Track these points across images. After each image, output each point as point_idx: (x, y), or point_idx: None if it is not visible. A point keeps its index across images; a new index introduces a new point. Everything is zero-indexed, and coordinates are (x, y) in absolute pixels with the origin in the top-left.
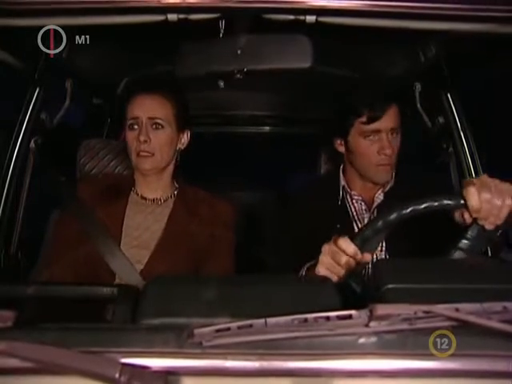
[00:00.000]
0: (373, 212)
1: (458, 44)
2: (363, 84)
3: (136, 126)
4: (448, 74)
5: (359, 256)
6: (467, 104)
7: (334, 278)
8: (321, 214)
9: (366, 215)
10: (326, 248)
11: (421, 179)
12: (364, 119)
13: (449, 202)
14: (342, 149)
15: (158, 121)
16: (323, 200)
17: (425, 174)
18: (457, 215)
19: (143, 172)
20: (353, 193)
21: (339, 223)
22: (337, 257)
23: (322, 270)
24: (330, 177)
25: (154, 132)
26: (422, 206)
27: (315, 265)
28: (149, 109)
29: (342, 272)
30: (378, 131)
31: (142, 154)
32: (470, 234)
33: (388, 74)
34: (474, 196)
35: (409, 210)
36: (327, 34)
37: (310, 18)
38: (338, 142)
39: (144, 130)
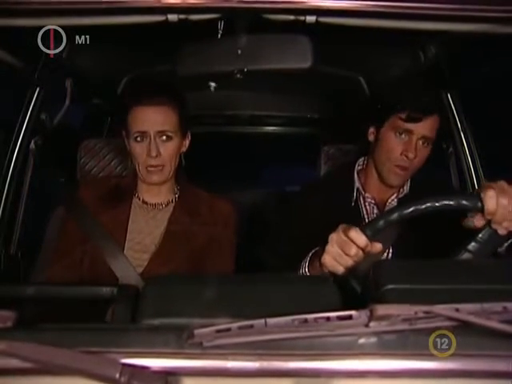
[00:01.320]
0: None
1: (458, 44)
2: (417, 83)
3: (144, 139)
4: (448, 74)
5: (369, 248)
6: (467, 104)
7: (340, 269)
8: (331, 211)
9: None
10: (334, 237)
11: (434, 186)
12: (403, 115)
13: (466, 202)
14: (372, 137)
15: (168, 133)
16: (335, 198)
17: (438, 181)
18: (469, 217)
19: (151, 183)
20: (366, 195)
21: (349, 223)
22: (346, 247)
23: (328, 260)
24: (343, 176)
25: (164, 144)
26: (438, 203)
27: (319, 254)
28: (157, 122)
29: (349, 263)
30: (410, 132)
31: (151, 168)
32: (480, 237)
33: (388, 73)
34: (492, 199)
35: (423, 207)
36: (327, 34)
37: (310, 19)
38: (372, 130)
39: (154, 144)
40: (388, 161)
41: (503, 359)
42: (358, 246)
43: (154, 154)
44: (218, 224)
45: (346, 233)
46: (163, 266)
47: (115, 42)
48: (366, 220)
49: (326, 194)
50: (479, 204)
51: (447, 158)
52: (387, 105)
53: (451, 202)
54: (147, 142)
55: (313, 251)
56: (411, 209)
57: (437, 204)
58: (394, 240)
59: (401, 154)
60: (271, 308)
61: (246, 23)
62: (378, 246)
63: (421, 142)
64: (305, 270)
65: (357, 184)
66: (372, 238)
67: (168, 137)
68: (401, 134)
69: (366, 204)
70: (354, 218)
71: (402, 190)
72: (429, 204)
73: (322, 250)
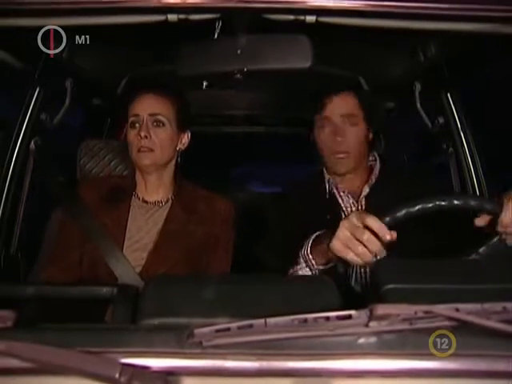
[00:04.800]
0: (360, 205)
1: (457, 44)
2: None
3: (137, 124)
4: (448, 74)
5: (387, 236)
6: (467, 104)
7: (349, 255)
8: (311, 208)
9: (354, 208)
10: (345, 223)
11: (407, 174)
12: (318, 110)
13: (487, 205)
14: (312, 140)
15: (159, 117)
16: (312, 195)
17: (412, 170)
18: (482, 219)
19: (143, 168)
20: (339, 186)
21: (329, 215)
22: (358, 232)
23: (337, 245)
24: (315, 173)
25: (155, 129)
26: (459, 201)
27: (322, 238)
28: (149, 106)
29: (359, 249)
30: (328, 118)
31: (142, 149)
32: (493, 242)
33: (388, 73)
34: (509, 211)
35: (445, 203)
36: (327, 34)
37: (310, 18)
38: (311, 137)
39: (145, 126)
40: (329, 154)
41: (503, 359)
42: (371, 232)
43: (143, 134)
44: (215, 222)
45: (359, 218)
46: (161, 264)
47: (115, 42)
48: (344, 208)
49: (304, 189)
50: (498, 211)
51: (447, 158)
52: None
53: (473, 203)
54: (140, 126)
55: (315, 234)
56: (431, 204)
57: (458, 202)
58: None
59: (333, 142)
60: (271, 308)
61: (246, 23)
62: (394, 235)
63: (344, 122)
64: (307, 251)
65: (327, 176)
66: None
67: (160, 121)
68: (323, 125)
69: (341, 193)
70: (333, 209)
71: (371, 177)
72: (455, 201)
73: (331, 236)
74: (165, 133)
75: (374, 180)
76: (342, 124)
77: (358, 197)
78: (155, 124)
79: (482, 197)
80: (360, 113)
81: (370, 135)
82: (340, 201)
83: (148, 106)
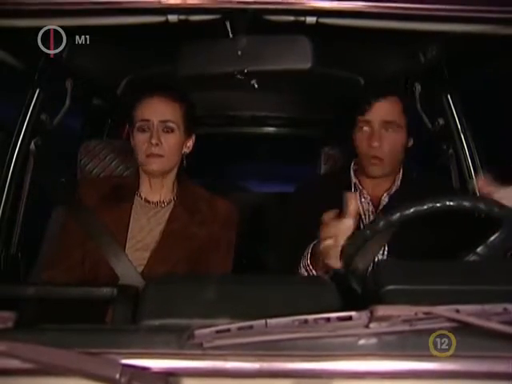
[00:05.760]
0: (378, 214)
1: (458, 45)
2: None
3: (147, 129)
4: (448, 75)
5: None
6: (468, 105)
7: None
8: (330, 207)
9: (372, 216)
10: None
11: (426, 183)
12: (360, 111)
13: (482, 205)
14: (353, 143)
15: (170, 124)
16: (334, 194)
17: (430, 177)
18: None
19: (151, 173)
20: (363, 191)
21: None
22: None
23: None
24: (340, 173)
25: (165, 135)
26: (453, 202)
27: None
28: (161, 112)
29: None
30: (368, 122)
31: (152, 155)
32: (491, 241)
33: (388, 74)
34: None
35: (439, 204)
36: (327, 35)
37: (311, 19)
38: (349, 135)
39: (155, 133)
40: (363, 156)
41: (503, 360)
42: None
43: (154, 141)
44: (217, 223)
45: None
46: (162, 264)
47: (115, 43)
48: (363, 216)
49: (324, 190)
50: (496, 209)
51: (447, 159)
52: (348, 110)
53: (467, 204)
54: (149, 131)
55: (314, 243)
56: (426, 206)
57: (452, 203)
58: (389, 239)
59: (368, 146)
60: (271, 308)
61: (247, 24)
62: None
63: (383, 128)
64: (307, 261)
65: (354, 180)
66: (384, 231)
67: (170, 128)
68: (362, 127)
69: (363, 199)
70: None
71: (392, 186)
72: (447, 203)
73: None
74: (174, 138)
75: (393, 190)
76: (381, 130)
77: (378, 205)
78: (165, 130)
79: (491, 200)
80: (402, 119)
81: (410, 142)
82: (360, 207)
83: (158, 112)
